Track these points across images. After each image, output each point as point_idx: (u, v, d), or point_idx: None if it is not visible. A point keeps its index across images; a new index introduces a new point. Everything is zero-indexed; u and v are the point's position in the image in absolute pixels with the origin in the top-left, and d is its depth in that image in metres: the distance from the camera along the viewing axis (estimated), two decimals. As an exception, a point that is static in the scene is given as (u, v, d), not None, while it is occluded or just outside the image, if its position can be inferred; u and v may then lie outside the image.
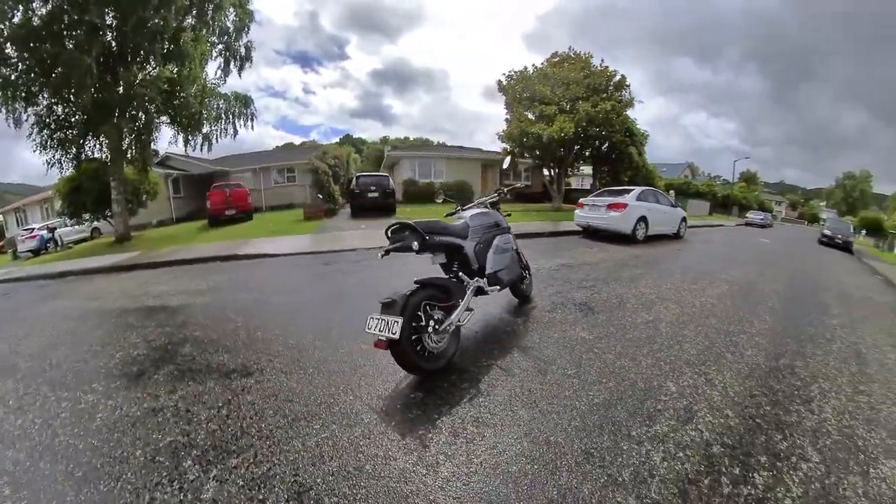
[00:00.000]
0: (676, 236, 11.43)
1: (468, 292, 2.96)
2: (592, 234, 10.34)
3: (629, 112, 18.77)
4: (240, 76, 14.36)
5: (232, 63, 13.98)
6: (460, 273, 3.04)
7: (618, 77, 18.76)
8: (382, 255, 2.81)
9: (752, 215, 30.14)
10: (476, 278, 3.12)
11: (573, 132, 16.38)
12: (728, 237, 15.44)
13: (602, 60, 19.46)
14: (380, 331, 2.40)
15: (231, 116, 14.38)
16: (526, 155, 20.08)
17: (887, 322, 5.12)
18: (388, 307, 2.45)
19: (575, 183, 30.85)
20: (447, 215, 4.06)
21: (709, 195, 36.75)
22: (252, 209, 17.48)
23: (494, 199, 4.12)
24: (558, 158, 19.68)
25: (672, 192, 23.35)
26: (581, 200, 10.77)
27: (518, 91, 19.19)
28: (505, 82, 20.09)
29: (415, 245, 2.71)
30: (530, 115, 18.35)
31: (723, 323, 4.17)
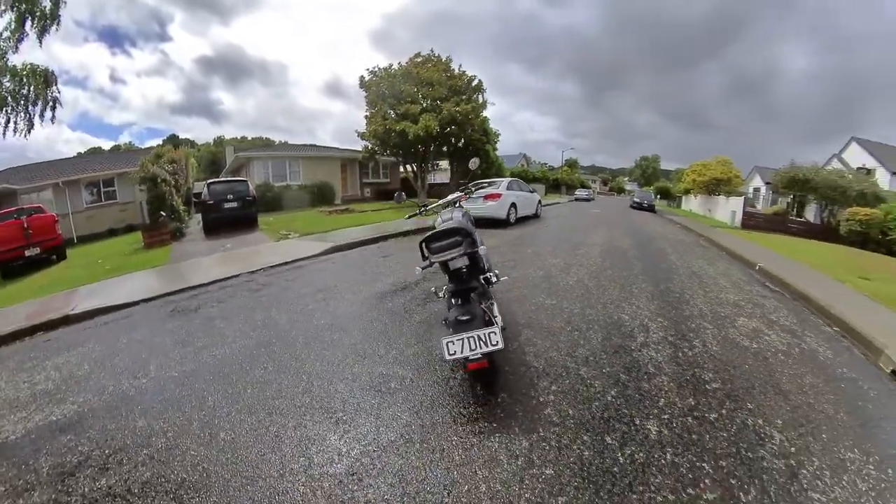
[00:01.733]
0: (536, 216, 14.39)
1: (490, 292, 3.22)
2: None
3: (484, 113, 21.26)
4: (40, 44, 10.36)
5: (30, 23, 10.10)
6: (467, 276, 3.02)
7: (475, 81, 21.03)
8: (423, 269, 2.78)
9: (580, 192, 38.49)
10: (481, 278, 3.14)
11: (437, 130, 17.93)
12: (570, 211, 19.89)
13: (461, 65, 21.30)
14: (471, 349, 2.33)
15: (25, 101, 10.64)
16: (387, 153, 20.97)
17: (697, 252, 9.01)
18: (467, 323, 2.42)
19: (431, 179, 33.48)
20: (410, 216, 4.87)
21: (543, 180, 44.45)
22: (63, 243, 13.37)
23: (458, 198, 4.39)
24: (421, 155, 21.09)
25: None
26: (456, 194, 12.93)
27: (383, 88, 19.70)
28: (368, 78, 20.52)
29: (468, 250, 2.73)
30: (392, 113, 19.25)
31: (617, 271, 6.18)
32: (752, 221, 21.86)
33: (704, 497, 2.10)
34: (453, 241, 2.79)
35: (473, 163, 5.45)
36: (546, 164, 68.04)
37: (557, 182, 49.64)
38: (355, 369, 3.55)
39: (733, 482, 2.22)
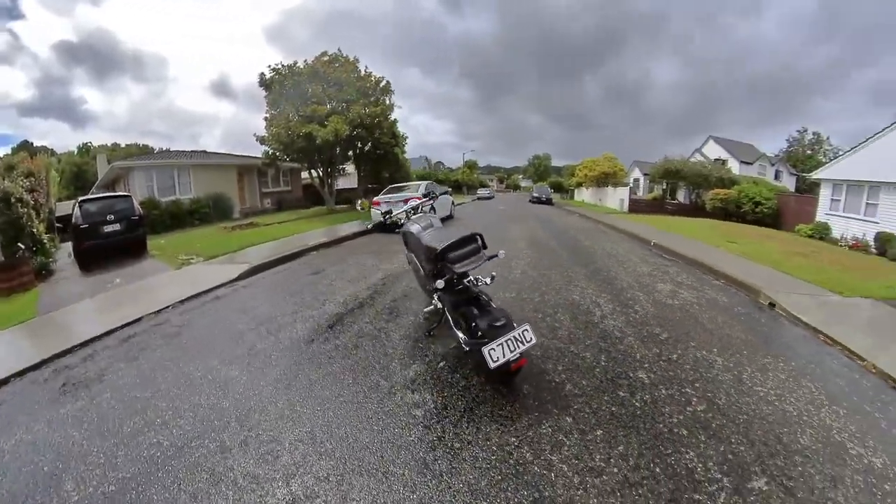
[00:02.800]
0: (451, 217, 15.13)
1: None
2: (389, 229, 13.03)
3: (392, 115, 21.14)
4: None
5: None
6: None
7: (384, 83, 20.50)
8: (457, 276, 2.84)
9: (481, 192, 40.46)
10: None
11: (347, 133, 17.56)
12: (478, 210, 21.21)
13: (366, 66, 20.54)
14: (511, 351, 2.49)
15: None
16: (287, 159, 19.95)
17: (602, 237, 11.16)
18: (503, 327, 2.57)
19: (337, 184, 32.53)
20: (372, 227, 5.10)
21: (445, 181, 46.03)
22: None
23: (420, 204, 4.88)
24: (328, 160, 20.49)
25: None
26: (376, 199, 12.32)
27: (287, 87, 18.38)
28: (270, 76, 19.03)
29: (491, 255, 2.92)
30: (297, 115, 18.28)
31: (549, 260, 7.25)
32: (636, 206, 25.51)
33: (699, 409, 2.87)
34: (473, 247, 2.89)
35: (435, 165, 5.79)
36: (443, 164, 70.80)
37: (459, 183, 51.96)
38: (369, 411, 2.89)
39: (709, 395, 3.06)
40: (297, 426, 2.79)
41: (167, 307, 5.81)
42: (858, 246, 14.01)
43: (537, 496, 2.08)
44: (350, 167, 25.87)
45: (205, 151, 24.72)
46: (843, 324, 4.79)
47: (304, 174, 24.75)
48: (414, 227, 3.91)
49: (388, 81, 20.61)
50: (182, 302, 6.01)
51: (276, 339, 4.34)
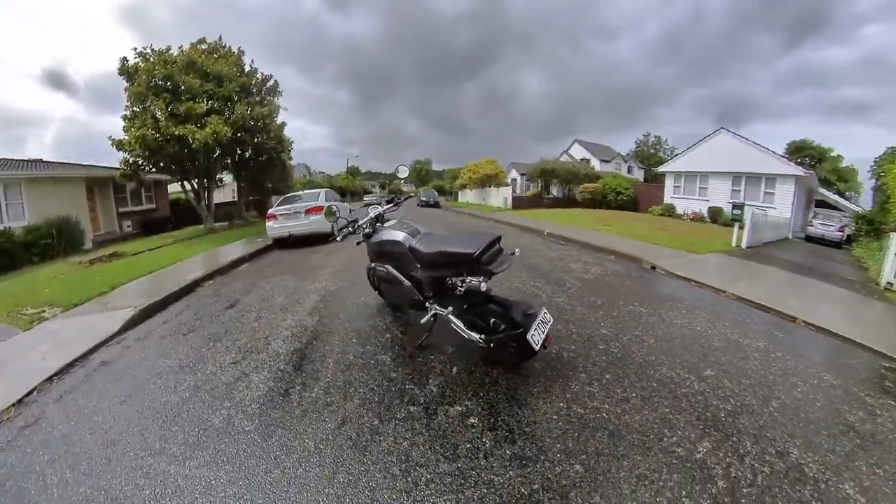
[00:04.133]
0: None
1: None
2: (291, 243, 10.74)
3: (279, 117, 18.74)
4: None
5: None
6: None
7: (271, 81, 18.50)
8: (487, 281, 2.99)
9: (367, 198, 40.39)
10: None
11: (228, 137, 14.84)
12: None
13: (252, 61, 18.10)
14: (544, 332, 2.91)
15: None
16: (152, 168, 16.33)
17: (499, 230, 11.82)
18: (529, 316, 2.92)
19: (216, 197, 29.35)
20: (341, 235, 4.24)
21: (329, 189, 45.32)
22: None
23: (387, 210, 4.53)
24: (205, 169, 18.07)
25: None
26: (271, 212, 11.15)
27: (157, 78, 15.04)
28: (134, 63, 15.32)
29: (510, 253, 3.18)
30: (167, 113, 15.10)
31: None
32: (519, 203, 28.37)
33: (651, 342, 3.94)
34: (498, 248, 3.08)
35: (402, 170, 5.08)
36: (323, 172, 69.01)
37: (343, 190, 51.15)
38: None
39: (651, 332, 4.20)
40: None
41: (31, 393, 3.57)
42: (696, 218, 19.41)
43: (611, 429, 2.59)
44: (228, 177, 23.33)
45: (41, 161, 19.22)
46: (704, 272, 6.79)
47: (173, 187, 21.79)
48: (398, 235, 3.70)
49: (276, 80, 18.39)
50: (51, 379, 3.80)
51: (235, 404, 3.07)
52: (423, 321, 3.55)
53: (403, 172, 5.07)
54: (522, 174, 38.16)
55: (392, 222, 4.14)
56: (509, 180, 37.64)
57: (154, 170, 16.60)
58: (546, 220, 15.23)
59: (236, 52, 17.50)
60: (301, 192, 13.42)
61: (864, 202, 24.05)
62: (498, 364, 3.31)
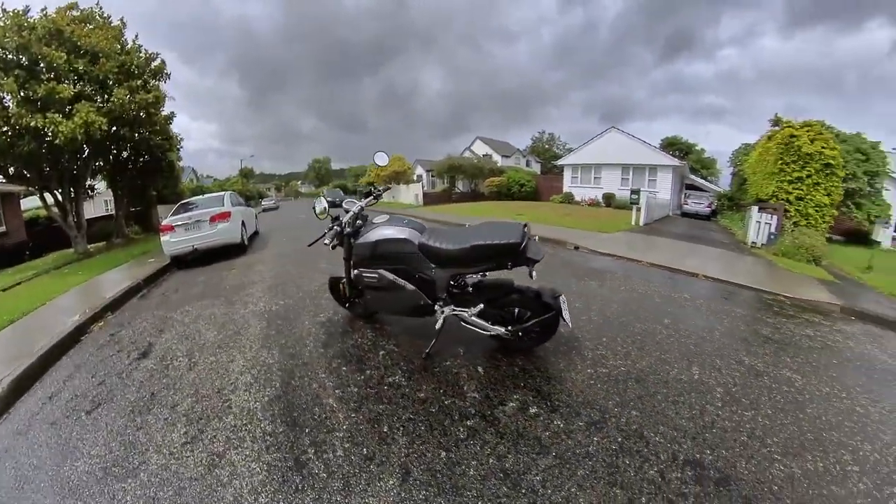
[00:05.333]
0: (257, 234, 12.31)
1: None
2: (193, 260, 8.85)
3: (164, 108, 15.16)
4: None
5: None
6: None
7: (158, 61, 14.94)
8: (533, 268, 2.95)
9: (266, 203, 38.61)
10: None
11: (104, 130, 11.69)
12: (278, 221, 18.07)
13: (137, 36, 14.52)
14: (567, 309, 3.04)
15: None
16: None
17: (431, 225, 11.09)
18: (557, 298, 3.02)
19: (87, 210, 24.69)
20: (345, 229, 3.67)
21: (232, 192, 42.29)
22: None
23: (366, 204, 3.89)
24: (72, 174, 13.47)
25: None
26: (166, 223, 9.02)
27: (7, 49, 11.26)
28: None
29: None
30: (8, 98, 11.21)
31: None
32: (429, 199, 29.15)
33: (616, 308, 4.49)
34: (530, 234, 3.10)
35: (380, 157, 4.19)
36: (211, 176, 63.65)
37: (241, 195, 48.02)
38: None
39: (609, 297, 4.89)
40: None
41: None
42: (593, 203, 21.97)
43: (635, 377, 3.04)
44: (101, 185, 19.15)
45: None
46: (619, 247, 7.95)
47: (29, 202, 17.65)
48: (403, 232, 3.32)
49: (162, 60, 14.95)
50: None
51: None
52: (437, 325, 3.24)
53: (382, 159, 4.19)
54: (428, 171, 39.03)
55: (384, 218, 3.58)
56: (415, 177, 38.25)
57: (0, 178, 12.72)
58: (462, 214, 15.90)
59: (118, 23, 13.37)
60: (198, 198, 10.92)
61: (723, 184, 28.95)
62: (512, 353, 3.33)
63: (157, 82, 14.96)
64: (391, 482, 2.10)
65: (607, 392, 2.82)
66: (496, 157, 40.97)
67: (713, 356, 3.36)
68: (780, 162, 9.47)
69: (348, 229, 3.61)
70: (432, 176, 38.57)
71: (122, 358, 3.97)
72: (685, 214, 20.33)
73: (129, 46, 13.92)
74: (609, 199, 21.39)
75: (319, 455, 2.31)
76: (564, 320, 2.96)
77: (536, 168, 46.68)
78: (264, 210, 34.66)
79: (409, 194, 31.18)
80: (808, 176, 9.11)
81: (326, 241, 3.68)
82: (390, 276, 3.29)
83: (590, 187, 23.24)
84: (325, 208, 3.75)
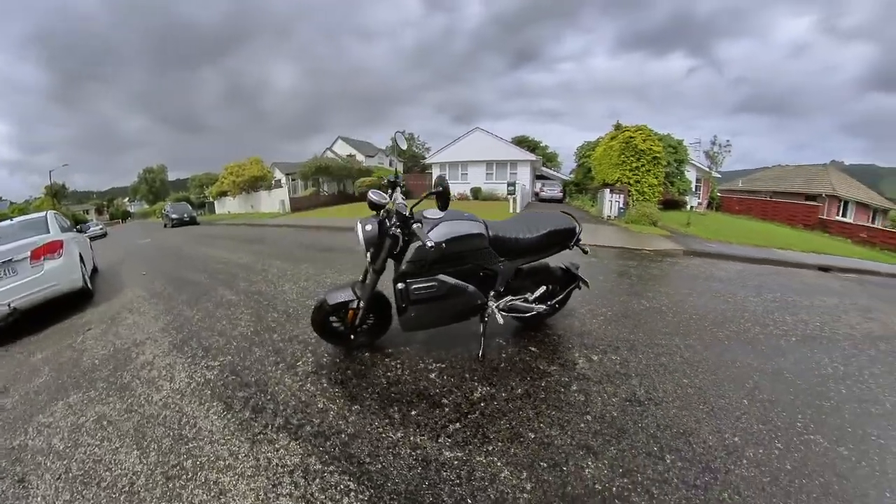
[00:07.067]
0: (96, 271, 8.74)
1: None
2: (5, 331, 4.93)
3: None
4: None
5: None
6: None
7: None
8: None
9: (93, 229, 28.92)
10: None
11: None
12: (119, 251, 12.85)
13: None
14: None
15: None
16: None
17: (316, 235, 11.57)
18: (577, 267, 3.45)
19: None
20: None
21: (55, 212, 34.80)
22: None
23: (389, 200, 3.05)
24: None
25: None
26: None
27: None
28: None
29: None
30: None
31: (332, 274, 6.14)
32: (298, 204, 28.06)
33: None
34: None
35: (401, 139, 3.52)
36: (8, 201, 51.72)
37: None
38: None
39: None
40: None
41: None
42: (462, 197, 23.94)
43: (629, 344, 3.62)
44: None
45: None
46: None
47: None
48: (476, 226, 2.94)
49: None
50: None
51: None
52: (485, 322, 3.10)
53: (403, 142, 3.55)
54: (288, 174, 37.59)
55: (435, 213, 2.91)
56: (273, 182, 36.51)
57: None
58: (343, 217, 15.98)
59: None
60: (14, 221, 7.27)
61: (564, 173, 34.06)
62: (533, 328, 3.59)
63: None
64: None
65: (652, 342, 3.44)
66: (360, 157, 41.18)
67: (624, 291, 4.79)
68: (622, 156, 12.51)
69: (398, 231, 2.80)
70: (292, 180, 37.23)
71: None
72: (542, 200, 23.54)
73: None
74: (476, 193, 23.83)
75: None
76: (587, 284, 3.45)
77: (399, 167, 48.06)
78: (91, 238, 28.25)
79: (272, 201, 29.55)
80: (643, 166, 12.26)
81: (402, 266, 2.80)
82: (451, 280, 2.89)
83: (458, 183, 25.25)
84: (374, 236, 2.73)
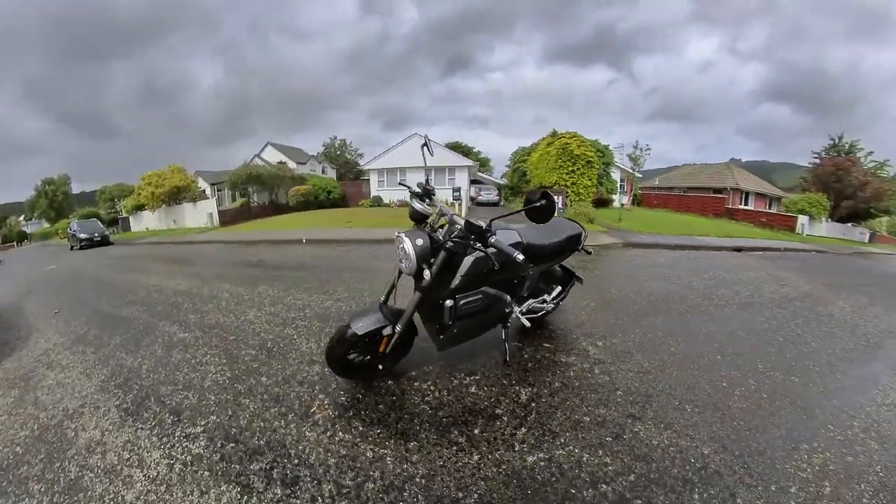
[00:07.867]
0: None
1: None
2: None
3: None
4: None
5: None
6: None
7: None
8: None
9: None
10: None
11: None
12: (21, 283, 8.75)
13: None
14: None
15: None
16: None
17: (255, 251, 11.02)
18: (573, 267, 3.75)
19: None
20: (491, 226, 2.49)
21: None
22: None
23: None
24: None
25: None
26: None
27: None
28: None
29: None
30: None
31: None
32: (226, 217, 26.55)
33: None
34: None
35: (428, 141, 3.16)
36: None
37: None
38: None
39: None
40: None
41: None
42: (403, 204, 23.67)
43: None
44: None
45: None
46: None
47: None
48: (516, 235, 3.01)
49: None
50: None
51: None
52: (507, 326, 3.10)
53: (431, 147, 3.15)
54: (213, 184, 35.71)
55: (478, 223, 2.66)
56: (198, 193, 34.49)
57: None
58: (284, 229, 15.11)
59: None
60: None
61: (495, 177, 35.61)
62: (541, 327, 3.75)
63: None
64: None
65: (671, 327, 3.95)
66: (291, 164, 39.86)
67: (592, 284, 5.51)
68: (559, 160, 13.63)
69: (451, 243, 2.51)
70: (218, 190, 35.38)
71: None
72: (478, 204, 24.52)
73: None
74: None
75: None
76: (581, 280, 3.77)
77: (332, 174, 47.16)
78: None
79: (198, 214, 27.42)
80: (578, 169, 13.45)
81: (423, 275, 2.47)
82: (492, 291, 2.84)
83: (397, 189, 25.30)
84: (427, 249, 2.44)
